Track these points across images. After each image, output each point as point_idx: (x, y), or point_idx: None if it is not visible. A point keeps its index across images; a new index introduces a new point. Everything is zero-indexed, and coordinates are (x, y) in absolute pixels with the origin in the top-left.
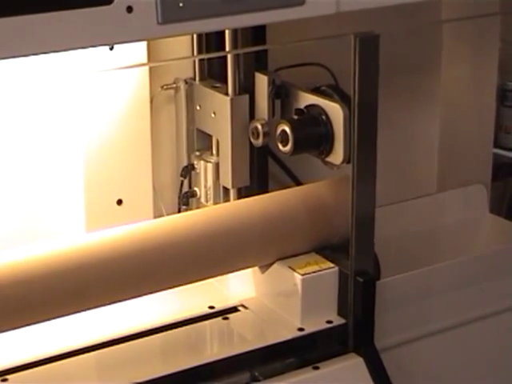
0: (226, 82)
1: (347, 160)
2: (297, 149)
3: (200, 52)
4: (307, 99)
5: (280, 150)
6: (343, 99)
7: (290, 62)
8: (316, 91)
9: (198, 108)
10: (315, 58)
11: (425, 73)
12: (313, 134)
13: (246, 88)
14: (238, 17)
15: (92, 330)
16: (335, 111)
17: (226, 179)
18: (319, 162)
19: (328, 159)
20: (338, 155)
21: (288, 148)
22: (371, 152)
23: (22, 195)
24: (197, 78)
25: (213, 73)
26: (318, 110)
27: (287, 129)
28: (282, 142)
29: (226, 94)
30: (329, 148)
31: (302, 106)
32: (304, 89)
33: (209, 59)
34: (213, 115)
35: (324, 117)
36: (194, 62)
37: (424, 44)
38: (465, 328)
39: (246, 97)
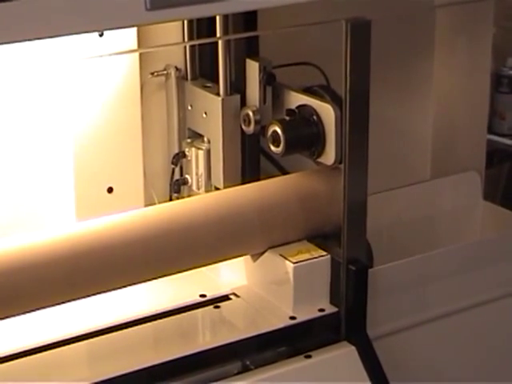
0: (217, 80)
1: (339, 161)
2: (288, 150)
3: (191, 39)
4: (298, 99)
5: (271, 151)
6: (335, 99)
7: (281, 61)
8: (307, 91)
9: (189, 108)
10: (307, 58)
11: (418, 59)
12: (304, 134)
13: (238, 88)
14: (228, 3)
15: (83, 319)
16: (327, 112)
17: (218, 179)
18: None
19: (320, 160)
20: (329, 156)
21: (279, 149)
22: (363, 141)
23: (11, 184)
24: (188, 78)
25: (204, 71)
26: (310, 110)
27: (278, 130)
28: (273, 143)
29: (218, 94)
30: (320, 149)
31: (293, 106)
32: (295, 89)
33: (200, 56)
34: (204, 115)
35: (315, 117)
36: (185, 54)
37: (417, 30)
38: (458, 316)
39: (238, 97)
